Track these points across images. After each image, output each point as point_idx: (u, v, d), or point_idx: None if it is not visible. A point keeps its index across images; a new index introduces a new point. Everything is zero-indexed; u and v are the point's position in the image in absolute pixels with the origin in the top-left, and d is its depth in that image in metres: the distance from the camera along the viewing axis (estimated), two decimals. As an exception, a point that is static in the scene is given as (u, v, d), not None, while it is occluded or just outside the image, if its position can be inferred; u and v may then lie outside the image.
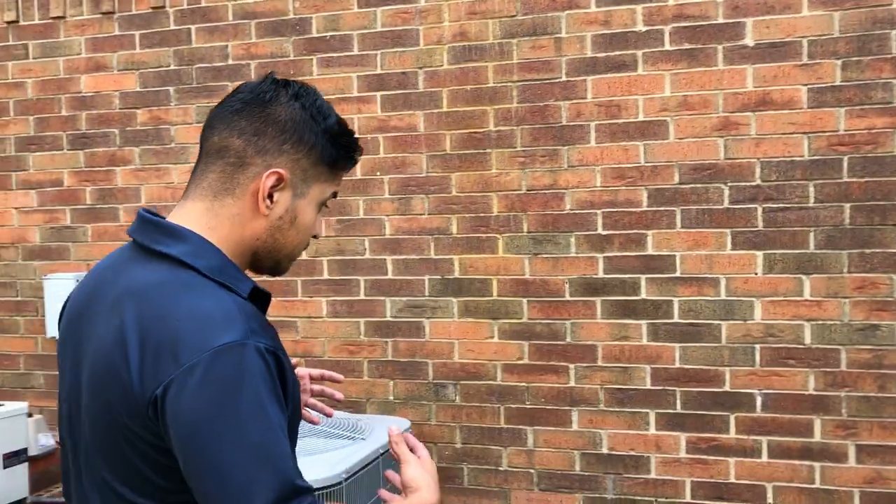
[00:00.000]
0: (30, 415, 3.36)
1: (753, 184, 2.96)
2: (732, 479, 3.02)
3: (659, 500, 3.10)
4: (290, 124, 1.23)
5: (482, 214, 3.23)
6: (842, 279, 2.89)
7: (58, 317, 1.34)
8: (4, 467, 3.10)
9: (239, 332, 1.11)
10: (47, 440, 3.50)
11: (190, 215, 1.23)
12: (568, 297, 3.14)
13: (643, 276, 3.08)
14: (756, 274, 2.97)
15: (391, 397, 3.37)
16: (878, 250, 2.86)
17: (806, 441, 2.94)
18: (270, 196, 1.23)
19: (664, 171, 3.04)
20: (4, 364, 3.83)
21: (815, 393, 2.93)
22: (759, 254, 2.96)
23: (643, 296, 3.08)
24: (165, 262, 1.18)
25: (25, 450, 3.23)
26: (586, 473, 3.17)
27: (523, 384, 3.21)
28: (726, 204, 2.98)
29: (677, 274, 3.04)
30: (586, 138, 3.11)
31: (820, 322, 2.92)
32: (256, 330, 1.14)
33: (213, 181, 1.23)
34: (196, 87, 3.51)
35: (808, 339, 2.93)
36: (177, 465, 1.11)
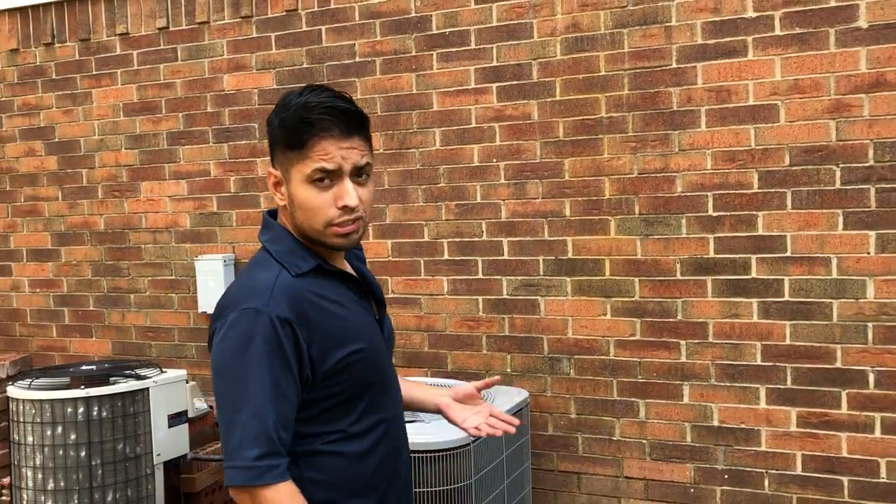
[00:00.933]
0: (187, 381, 3.78)
1: (866, 164, 3.00)
2: (844, 454, 3.10)
3: (769, 471, 3.21)
4: (270, 129, 1.59)
5: (594, 198, 3.39)
6: (959, 258, 2.90)
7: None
8: (169, 426, 3.52)
9: (261, 301, 1.45)
10: (201, 404, 3.91)
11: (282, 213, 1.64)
12: (679, 277, 3.28)
13: (753, 256, 3.17)
14: (869, 253, 3.02)
15: (509, 369, 3.59)
16: None
17: (920, 417, 2.98)
18: (277, 185, 1.57)
19: (775, 154, 3.12)
20: (161, 336, 4.29)
21: (929, 371, 2.96)
22: (872, 233, 3.01)
23: (753, 275, 3.18)
24: (261, 247, 1.61)
25: (186, 412, 3.64)
26: (697, 445, 3.31)
27: (635, 359, 3.38)
28: (838, 185, 3.04)
29: (788, 254, 3.13)
30: (697, 123, 3.22)
31: (935, 301, 2.94)
32: (280, 303, 1.45)
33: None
34: (327, 82, 3.81)
35: (923, 318, 2.96)
36: None
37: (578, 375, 3.47)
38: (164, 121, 4.20)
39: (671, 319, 3.31)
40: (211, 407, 3.98)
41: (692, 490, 3.33)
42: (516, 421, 1.78)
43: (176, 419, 3.54)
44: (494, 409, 1.80)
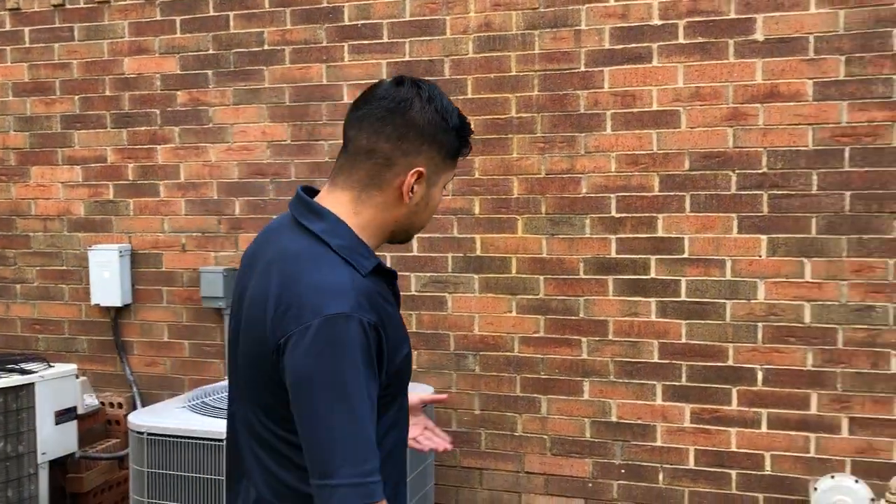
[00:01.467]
0: (77, 376, 3.61)
1: (760, 171, 3.14)
2: (733, 448, 3.24)
3: (664, 465, 3.32)
4: (428, 128, 1.45)
5: (503, 196, 3.43)
6: (841, 263, 3.08)
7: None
8: (56, 423, 3.36)
9: (349, 305, 1.34)
10: (92, 400, 3.75)
11: (338, 201, 1.47)
12: (582, 276, 3.35)
13: (653, 257, 3.27)
14: (760, 256, 3.16)
15: (415, 366, 3.59)
16: (875, 236, 3.04)
17: (803, 413, 3.15)
18: (412, 188, 1.45)
19: (675, 158, 3.23)
20: (50, 329, 4.08)
21: (812, 369, 3.13)
22: (764, 237, 3.15)
23: (653, 275, 3.28)
24: (307, 236, 1.44)
25: (75, 408, 3.48)
26: (596, 440, 3.39)
27: (539, 356, 3.43)
28: (733, 190, 3.17)
29: (685, 255, 3.24)
30: (602, 126, 3.30)
31: (819, 303, 3.11)
32: (364, 305, 1.35)
33: (363, 177, 1.46)
34: (234, 70, 3.71)
35: (807, 319, 3.12)
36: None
37: (483, 372, 3.49)
38: (59, 103, 4.00)
39: (574, 317, 3.38)
40: (103, 403, 3.82)
41: (590, 485, 3.41)
42: (449, 440, 1.78)
43: (64, 416, 3.38)
44: (430, 422, 1.79)
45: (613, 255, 3.31)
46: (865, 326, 3.07)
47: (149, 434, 2.59)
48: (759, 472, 3.21)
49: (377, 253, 1.49)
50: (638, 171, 3.26)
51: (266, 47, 3.68)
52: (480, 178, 3.45)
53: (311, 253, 1.42)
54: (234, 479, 1.52)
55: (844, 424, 3.11)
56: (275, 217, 1.59)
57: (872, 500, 2.76)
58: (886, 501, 2.75)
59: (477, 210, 3.47)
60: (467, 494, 3.50)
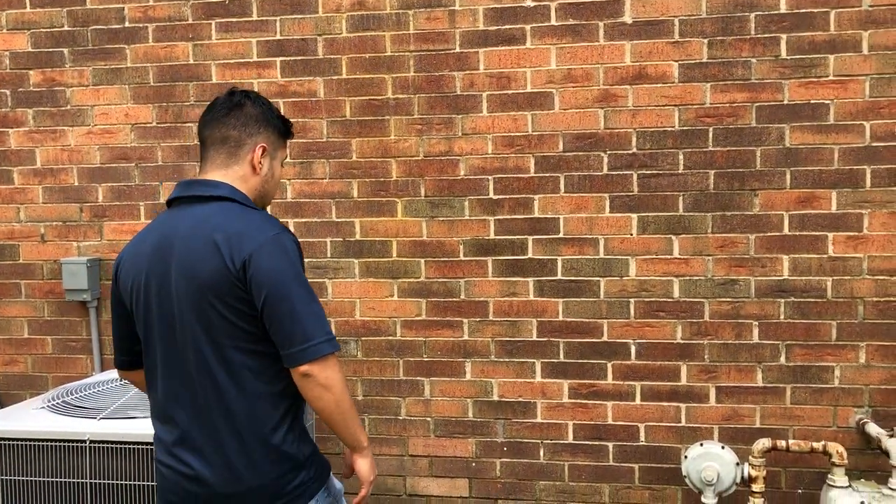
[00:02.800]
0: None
1: (630, 152, 3.22)
2: (610, 421, 3.33)
3: (545, 441, 3.39)
4: (261, 116, 1.95)
5: (382, 179, 3.38)
6: (706, 239, 3.20)
7: (113, 273, 1.94)
8: None
9: (279, 228, 1.81)
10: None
11: (215, 178, 1.90)
12: (462, 258, 3.35)
13: (530, 238, 3.31)
14: (631, 235, 3.25)
15: (294, 354, 3.51)
16: (737, 213, 3.18)
17: (673, 385, 3.27)
18: (263, 153, 1.93)
19: (549, 140, 3.26)
20: None
21: (681, 341, 3.25)
22: (634, 216, 3.24)
23: (530, 255, 3.32)
24: (214, 201, 1.85)
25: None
26: (478, 420, 3.42)
27: (421, 339, 3.42)
28: (605, 171, 3.24)
29: (561, 235, 3.29)
30: (479, 108, 3.29)
31: (687, 278, 3.23)
32: (286, 229, 1.83)
33: (224, 158, 1.91)
34: (92, 49, 3.49)
35: (676, 293, 3.24)
36: (256, 314, 1.77)
37: (365, 357, 3.46)
38: None
39: (455, 299, 3.38)
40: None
41: (474, 464, 3.44)
42: None
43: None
44: None
45: (492, 236, 3.33)
46: (729, 299, 3.21)
47: (1, 439, 2.41)
48: (635, 444, 3.32)
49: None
50: (514, 152, 3.28)
51: (127, 25, 3.47)
52: (358, 160, 3.39)
53: (230, 208, 1.83)
54: (182, 419, 1.81)
55: (712, 394, 3.25)
56: (155, 219, 1.94)
57: (737, 464, 2.90)
58: (750, 465, 2.90)
59: (355, 193, 3.41)
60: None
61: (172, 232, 1.82)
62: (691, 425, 3.28)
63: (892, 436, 2.87)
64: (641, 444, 3.32)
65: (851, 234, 3.12)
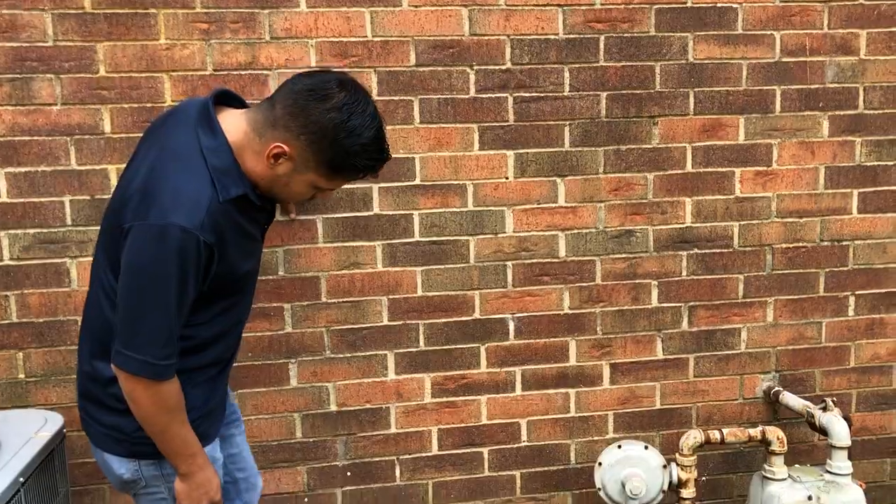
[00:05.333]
0: None
1: (503, 67, 2.41)
2: (484, 421, 2.57)
3: (401, 457, 2.55)
4: (316, 128, 1.60)
5: (149, 105, 2.25)
6: (597, 181, 2.51)
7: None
8: None
9: (193, 221, 1.54)
10: None
11: (238, 126, 1.65)
12: (279, 217, 2.35)
13: (375, 186, 2.40)
14: (507, 178, 2.47)
15: (21, 375, 2.31)
16: (633, 146, 2.52)
17: (561, 366, 2.58)
18: (277, 157, 1.63)
19: (397, 50, 2.35)
20: None
21: (570, 312, 2.56)
22: (511, 153, 2.46)
23: (376, 210, 2.41)
24: (195, 145, 1.61)
25: None
26: (311, 440, 2.49)
27: (223, 337, 2.38)
28: (472, 92, 2.41)
29: (417, 181, 2.42)
30: (294, 0, 2.28)
31: (575, 231, 2.53)
32: (206, 226, 1.56)
33: (261, 121, 1.64)
34: None
35: (562, 252, 2.53)
36: None
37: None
38: None
39: (271, 277, 2.39)
40: None
41: (306, 500, 2.51)
42: None
43: None
44: None
45: (320, 185, 2.35)
46: (625, 255, 2.56)
47: None
48: (515, 445, 2.60)
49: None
50: (348, 65, 2.32)
51: None
52: (110, 76, 2.23)
53: (188, 162, 1.59)
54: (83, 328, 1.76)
55: (606, 373, 2.61)
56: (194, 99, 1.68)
57: (664, 466, 2.28)
58: (679, 466, 2.29)
59: (107, 126, 2.25)
60: None
61: (163, 126, 1.70)
62: (582, 414, 2.62)
63: (825, 409, 2.42)
64: (523, 444, 2.61)
65: (760, 168, 2.59)
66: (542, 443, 2.61)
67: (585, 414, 2.62)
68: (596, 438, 2.63)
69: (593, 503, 2.64)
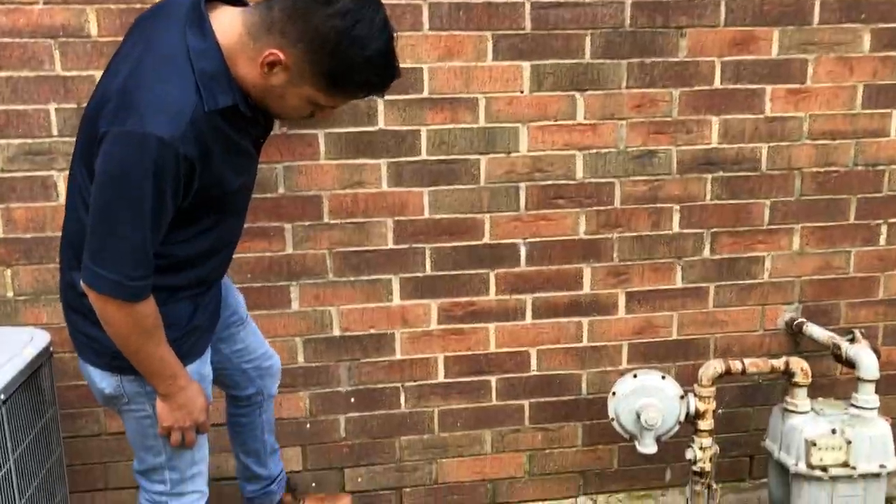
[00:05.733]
0: None
1: (520, -31, 2.22)
2: (492, 349, 2.47)
3: (406, 384, 2.46)
4: (315, 36, 1.42)
5: (138, 5, 2.09)
6: (619, 96, 2.35)
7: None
8: None
9: (172, 131, 1.40)
10: None
11: (233, 27, 1.48)
12: (276, 130, 2.21)
13: (380, 100, 2.24)
14: (522, 92, 2.30)
15: (10, 293, 2.21)
16: (658, 60, 2.34)
17: (574, 294, 2.46)
18: (271, 66, 1.45)
19: (405, -53, 2.17)
20: None
21: (585, 237, 2.43)
22: (527, 65, 2.29)
23: (381, 125, 2.26)
24: (183, 43, 1.45)
25: None
26: (313, 365, 2.40)
27: (220, 257, 2.27)
28: (486, -4, 2.23)
29: (425, 94, 2.26)
30: None
31: (593, 151, 2.37)
32: (188, 137, 1.41)
33: (257, 23, 1.46)
34: None
35: (579, 173, 2.38)
36: None
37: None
38: None
39: (269, 195, 2.26)
40: None
41: (308, 425, 2.44)
42: None
43: None
44: None
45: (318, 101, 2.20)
46: (646, 177, 2.41)
47: None
48: (524, 374, 2.50)
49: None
50: (352, -35, 2.13)
51: None
52: (94, -27, 2.06)
53: (174, 65, 1.44)
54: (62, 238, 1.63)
55: (621, 302, 2.49)
56: None
57: (682, 397, 2.18)
58: (697, 397, 2.18)
59: (94, 29, 2.09)
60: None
61: (148, 25, 1.54)
62: (596, 344, 2.51)
63: (852, 341, 2.29)
64: (533, 374, 2.51)
65: (793, 86, 2.41)
66: (553, 372, 2.51)
67: (599, 344, 2.51)
68: (609, 369, 2.53)
69: (604, 435, 2.55)
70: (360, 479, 2.49)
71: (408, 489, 2.53)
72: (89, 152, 1.49)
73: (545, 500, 2.60)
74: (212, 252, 1.65)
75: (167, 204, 1.45)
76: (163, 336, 1.57)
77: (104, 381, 1.64)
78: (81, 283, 1.50)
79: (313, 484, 2.47)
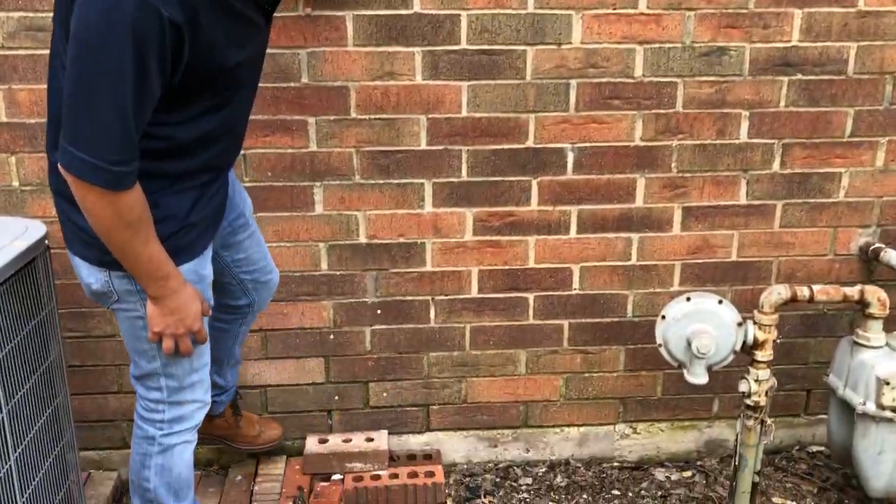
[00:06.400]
0: None
1: None
2: (531, 264, 2.27)
3: (437, 298, 2.28)
4: None
5: None
6: (688, -18, 2.05)
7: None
8: None
9: None
10: None
11: None
12: (299, 11, 1.98)
13: (416, -22, 1.99)
14: (577, -26, 2.03)
15: (15, 183, 2.07)
16: (737, -60, 2.03)
17: (625, 207, 2.24)
18: None
19: None
20: None
21: (641, 144, 2.18)
22: (584, -57, 2.00)
23: (416, 8, 2.01)
24: None
25: None
26: (337, 273, 2.23)
27: (241, 152, 2.09)
28: None
29: (466, -26, 2.00)
30: None
31: (655, 45, 2.10)
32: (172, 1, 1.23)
33: None
34: None
35: (638, 70, 2.11)
36: None
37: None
38: None
39: (291, 84, 2.05)
40: None
41: (331, 336, 2.29)
42: None
43: None
44: None
45: (350, -25, 1.97)
46: (714, 78, 2.14)
47: None
48: (565, 292, 2.31)
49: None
50: None
51: None
52: None
53: None
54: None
55: (677, 217, 2.26)
56: None
57: (739, 324, 1.96)
58: (756, 325, 1.96)
59: None
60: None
61: None
62: (645, 263, 2.30)
63: (939, 269, 2.04)
64: (574, 292, 2.31)
65: (893, -25, 2.09)
66: (596, 292, 2.31)
67: (649, 263, 2.29)
68: (658, 290, 2.31)
69: (648, 361, 2.36)
70: (385, 395, 2.35)
71: (435, 407, 2.38)
72: (67, 9, 1.29)
73: (581, 425, 2.44)
74: (215, 138, 1.46)
75: (151, 79, 1.27)
76: (152, 232, 1.40)
77: (92, 276, 1.49)
78: (59, 166, 1.32)
79: (336, 397, 2.34)
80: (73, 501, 1.83)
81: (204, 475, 2.32)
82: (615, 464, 2.46)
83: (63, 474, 1.78)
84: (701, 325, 1.95)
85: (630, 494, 2.32)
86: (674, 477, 2.40)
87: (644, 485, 2.36)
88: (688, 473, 2.42)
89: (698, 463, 2.47)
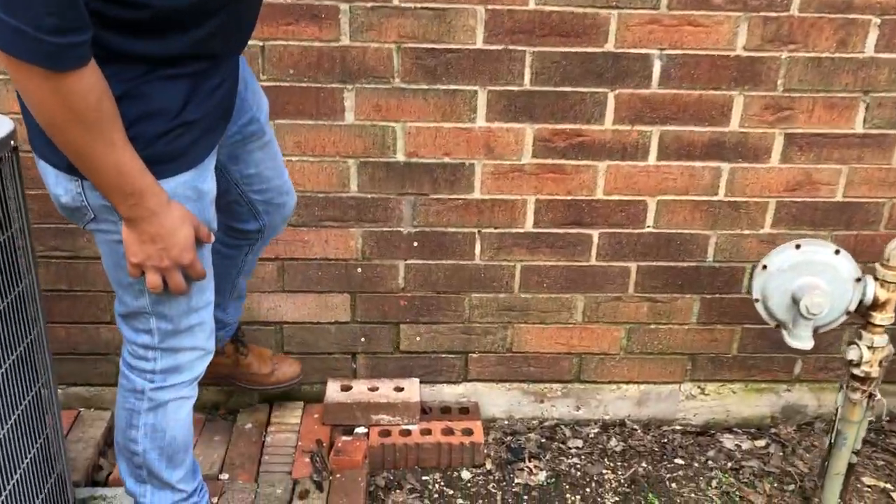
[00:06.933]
0: None
1: None
2: (599, 195, 1.91)
3: (484, 230, 1.93)
4: None
5: None
6: None
7: None
8: None
9: None
10: None
11: None
12: None
13: None
14: None
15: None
16: None
17: (717, 131, 1.86)
18: None
19: None
20: None
21: (743, 53, 1.79)
22: None
23: None
24: None
25: None
26: (368, 195, 1.89)
27: (257, 43, 1.72)
28: None
29: None
30: None
31: (773, -71, 1.68)
32: None
33: None
34: None
35: (749, -40, 1.71)
36: None
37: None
38: None
39: (322, -39, 1.65)
40: None
41: (359, 269, 1.96)
42: None
43: None
44: None
45: None
46: (842, -26, 1.72)
47: None
48: (636, 230, 1.95)
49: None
50: None
51: None
52: None
53: None
54: None
55: (777, 145, 1.88)
56: None
57: (858, 280, 1.60)
58: (879, 279, 1.61)
59: None
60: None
61: None
62: (734, 199, 1.93)
63: None
64: (647, 230, 1.95)
65: None
66: (673, 231, 1.96)
67: (738, 199, 1.93)
68: (746, 232, 1.96)
69: (726, 313, 2.02)
70: (418, 339, 2.04)
71: (475, 355, 2.07)
72: None
73: (642, 382, 2.12)
74: (208, 8, 1.09)
75: None
76: (118, 132, 1.06)
77: (60, 186, 1.16)
78: None
79: (362, 339, 2.03)
80: (52, 450, 1.54)
81: (208, 419, 2.03)
82: (677, 427, 2.15)
83: (40, 420, 1.49)
84: (812, 279, 1.59)
85: (696, 465, 2.02)
86: (745, 445, 2.10)
87: (711, 453, 2.06)
88: (761, 442, 2.11)
89: (772, 431, 2.15)
